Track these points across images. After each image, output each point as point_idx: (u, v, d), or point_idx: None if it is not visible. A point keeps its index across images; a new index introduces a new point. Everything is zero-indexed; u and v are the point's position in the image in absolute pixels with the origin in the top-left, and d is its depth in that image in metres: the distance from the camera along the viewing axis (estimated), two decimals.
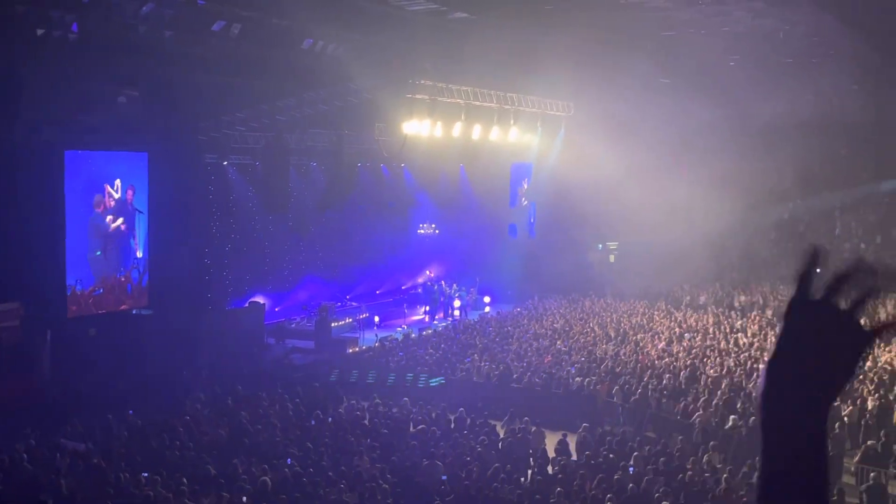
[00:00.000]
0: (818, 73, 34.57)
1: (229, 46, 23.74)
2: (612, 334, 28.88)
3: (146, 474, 14.79)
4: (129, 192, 25.17)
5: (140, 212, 25.48)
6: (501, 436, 18.97)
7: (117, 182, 24.83)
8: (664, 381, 22.24)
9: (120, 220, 25.01)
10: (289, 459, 15.97)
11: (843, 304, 1.53)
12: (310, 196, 33.05)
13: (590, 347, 26.80)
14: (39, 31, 20.32)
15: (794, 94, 36.39)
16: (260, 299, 30.24)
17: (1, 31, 19.90)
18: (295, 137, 31.09)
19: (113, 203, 24.77)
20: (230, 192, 30.51)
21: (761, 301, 34.78)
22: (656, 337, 28.36)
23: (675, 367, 23.85)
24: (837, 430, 18.57)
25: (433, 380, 24.28)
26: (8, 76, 20.04)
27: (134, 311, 25.75)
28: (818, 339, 1.53)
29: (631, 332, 29.01)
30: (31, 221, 21.66)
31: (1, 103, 20.00)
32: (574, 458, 17.63)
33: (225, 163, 30.13)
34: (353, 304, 34.51)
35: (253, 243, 31.62)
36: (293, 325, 31.43)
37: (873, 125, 38.76)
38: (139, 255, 25.64)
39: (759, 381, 1.59)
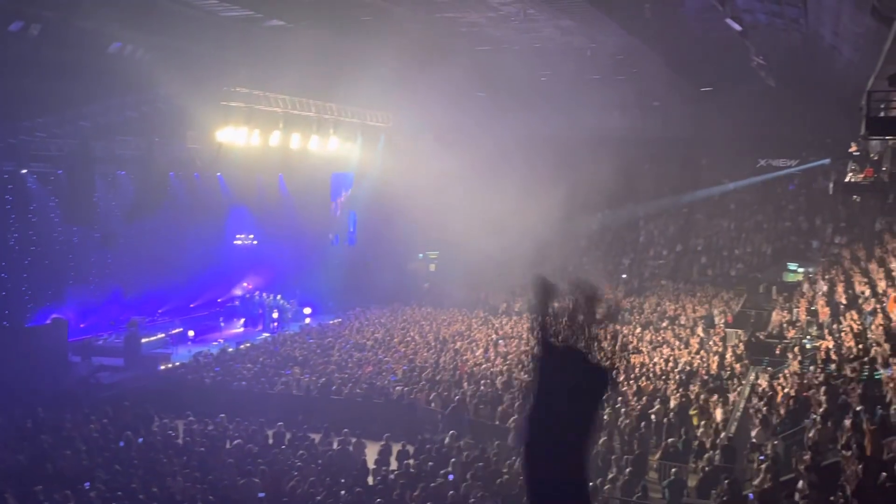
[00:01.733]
0: (623, 90, 36.51)
1: (28, 48, 22.32)
2: (432, 342, 29.20)
3: None
4: None
5: None
6: (322, 449, 18.75)
7: None
8: (481, 388, 22.69)
9: None
10: (87, 483, 15.08)
11: (582, 345, 1.60)
12: (118, 206, 31.52)
13: (410, 356, 26.98)
14: None
15: (601, 109, 38.29)
16: (63, 315, 28.52)
17: None
18: (101, 145, 29.65)
19: None
20: (30, 201, 28.71)
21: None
22: (474, 344, 28.91)
23: (491, 373, 24.38)
24: (644, 430, 19.56)
25: None
26: None
27: None
28: (566, 387, 1.59)
29: (450, 340, 29.44)
30: None
31: None
32: (394, 467, 17.67)
33: (24, 171, 28.33)
34: (166, 318, 33.18)
35: (55, 256, 29.75)
36: (100, 342, 29.84)
37: (674, 140, 41.25)
38: None
39: (520, 431, 1.67)
